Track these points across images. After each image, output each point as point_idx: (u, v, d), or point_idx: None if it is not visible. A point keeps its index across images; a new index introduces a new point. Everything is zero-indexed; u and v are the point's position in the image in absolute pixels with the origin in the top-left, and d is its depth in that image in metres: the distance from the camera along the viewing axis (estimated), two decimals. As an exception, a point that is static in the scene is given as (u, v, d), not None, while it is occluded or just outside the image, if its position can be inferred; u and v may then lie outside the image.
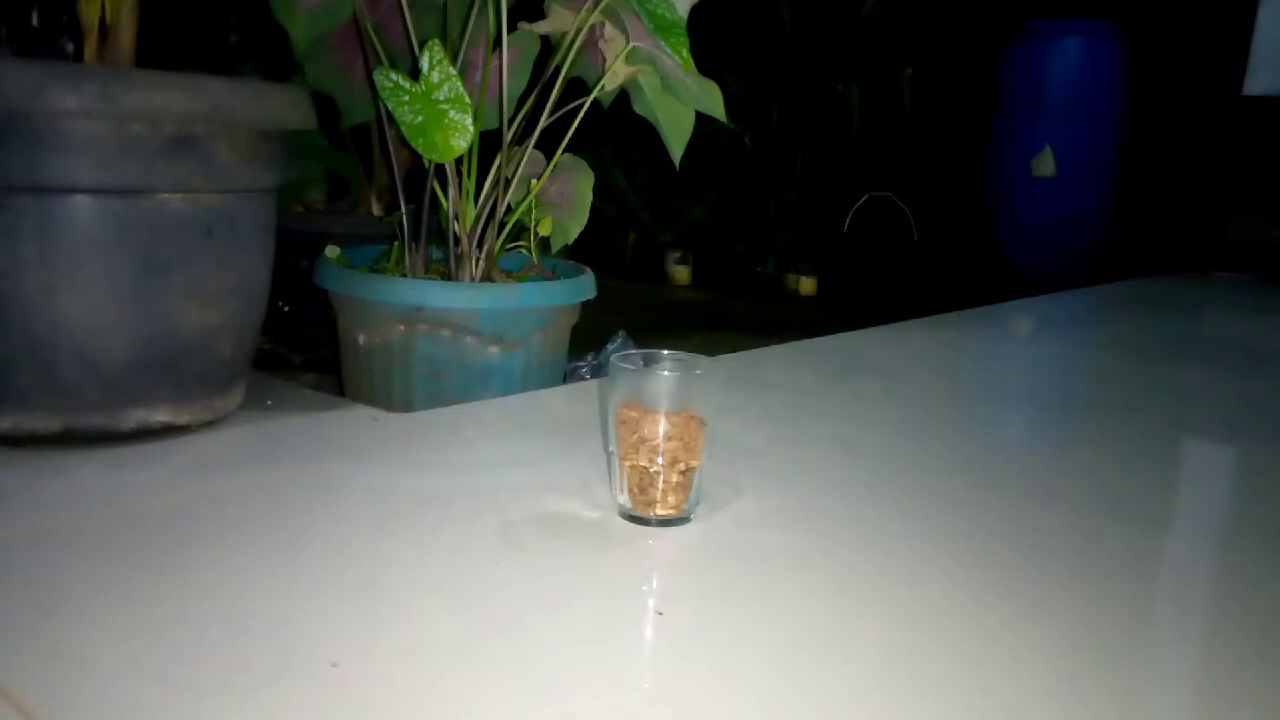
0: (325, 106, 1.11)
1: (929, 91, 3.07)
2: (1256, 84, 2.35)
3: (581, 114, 1.16)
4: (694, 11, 1.09)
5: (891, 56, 3.04)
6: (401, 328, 1.08)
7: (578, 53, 1.13)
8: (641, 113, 1.18)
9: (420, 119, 0.99)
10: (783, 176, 3.04)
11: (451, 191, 1.13)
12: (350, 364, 1.16)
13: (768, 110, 3.03)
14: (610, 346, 1.45)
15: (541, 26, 1.14)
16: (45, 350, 0.82)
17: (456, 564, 0.66)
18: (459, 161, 1.11)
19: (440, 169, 1.12)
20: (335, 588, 0.61)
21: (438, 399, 1.09)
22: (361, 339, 1.12)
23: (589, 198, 1.23)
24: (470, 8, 1.13)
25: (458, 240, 1.15)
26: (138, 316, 0.84)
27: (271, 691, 0.50)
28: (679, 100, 1.14)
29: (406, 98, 0.99)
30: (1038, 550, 0.73)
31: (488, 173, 1.15)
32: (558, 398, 1.12)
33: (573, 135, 1.18)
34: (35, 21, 1.00)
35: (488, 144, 1.14)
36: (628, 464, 0.73)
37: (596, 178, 1.25)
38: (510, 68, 1.12)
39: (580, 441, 0.92)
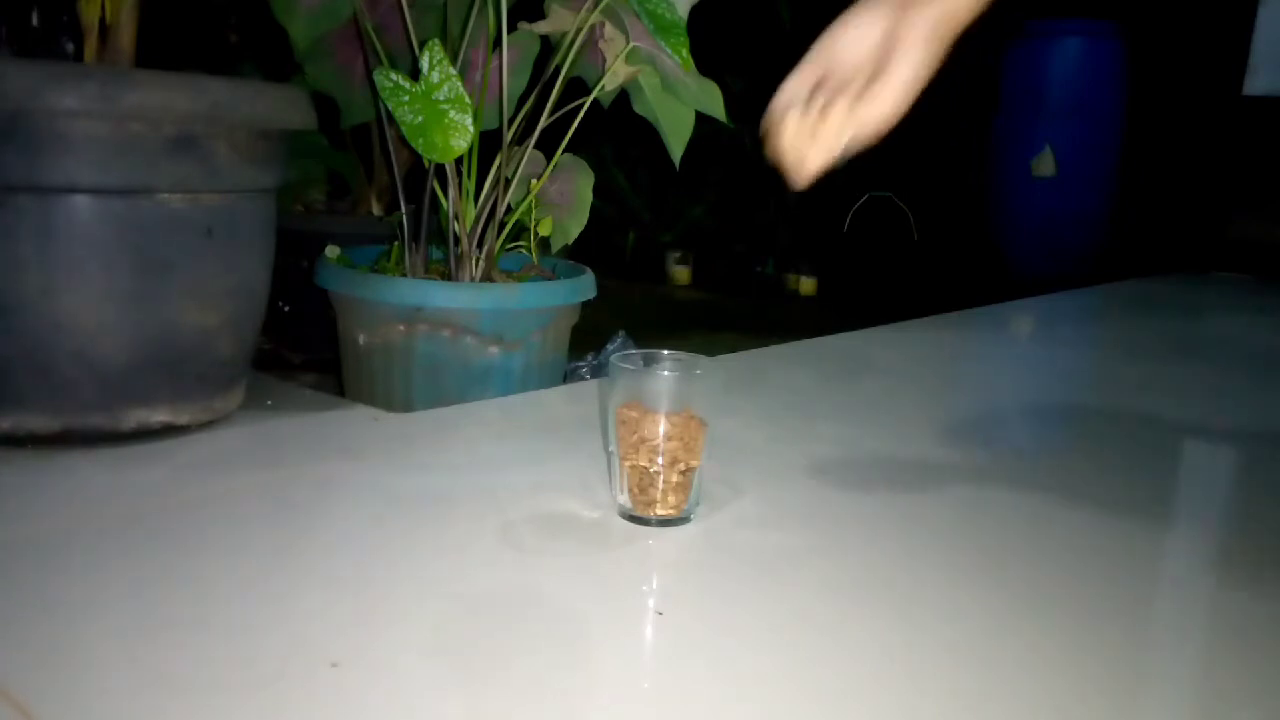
0: (325, 106, 1.11)
1: (929, 91, 3.06)
2: (1256, 84, 2.35)
3: (581, 114, 1.16)
4: (694, 11, 1.09)
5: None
6: (401, 328, 1.08)
7: (578, 53, 1.13)
8: (641, 113, 1.18)
9: (420, 119, 0.99)
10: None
11: (451, 191, 1.13)
12: (350, 364, 1.16)
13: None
14: (610, 346, 1.45)
15: (541, 26, 1.14)
16: (45, 350, 0.82)
17: (457, 564, 0.66)
18: (459, 161, 1.11)
19: (440, 169, 1.12)
20: (335, 588, 0.61)
21: (438, 399, 1.09)
22: (361, 339, 1.12)
23: (589, 198, 1.23)
24: (470, 8, 1.13)
25: (458, 240, 1.15)
26: (137, 317, 0.84)
27: (271, 691, 0.50)
28: (679, 100, 1.14)
29: (406, 98, 0.99)
30: (1037, 550, 0.73)
31: (488, 173, 1.15)
32: (558, 398, 1.12)
33: (573, 135, 1.18)
34: (35, 21, 1.00)
35: (488, 144, 1.14)
36: (628, 464, 0.73)
37: (596, 178, 1.25)
38: (510, 68, 1.12)
39: (580, 441, 0.92)
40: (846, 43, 0.65)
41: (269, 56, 1.53)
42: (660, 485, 0.72)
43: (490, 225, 1.16)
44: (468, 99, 1.00)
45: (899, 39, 0.63)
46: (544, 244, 1.25)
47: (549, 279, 1.20)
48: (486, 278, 1.17)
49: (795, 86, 0.67)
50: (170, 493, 0.76)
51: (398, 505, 0.76)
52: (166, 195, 0.84)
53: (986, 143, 2.98)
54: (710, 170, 3.05)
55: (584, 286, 1.18)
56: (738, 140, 3.01)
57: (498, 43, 1.10)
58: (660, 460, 0.71)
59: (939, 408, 1.17)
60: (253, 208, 0.93)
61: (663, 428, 0.71)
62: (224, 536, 0.68)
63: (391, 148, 1.17)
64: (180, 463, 0.84)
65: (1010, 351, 1.65)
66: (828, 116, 0.65)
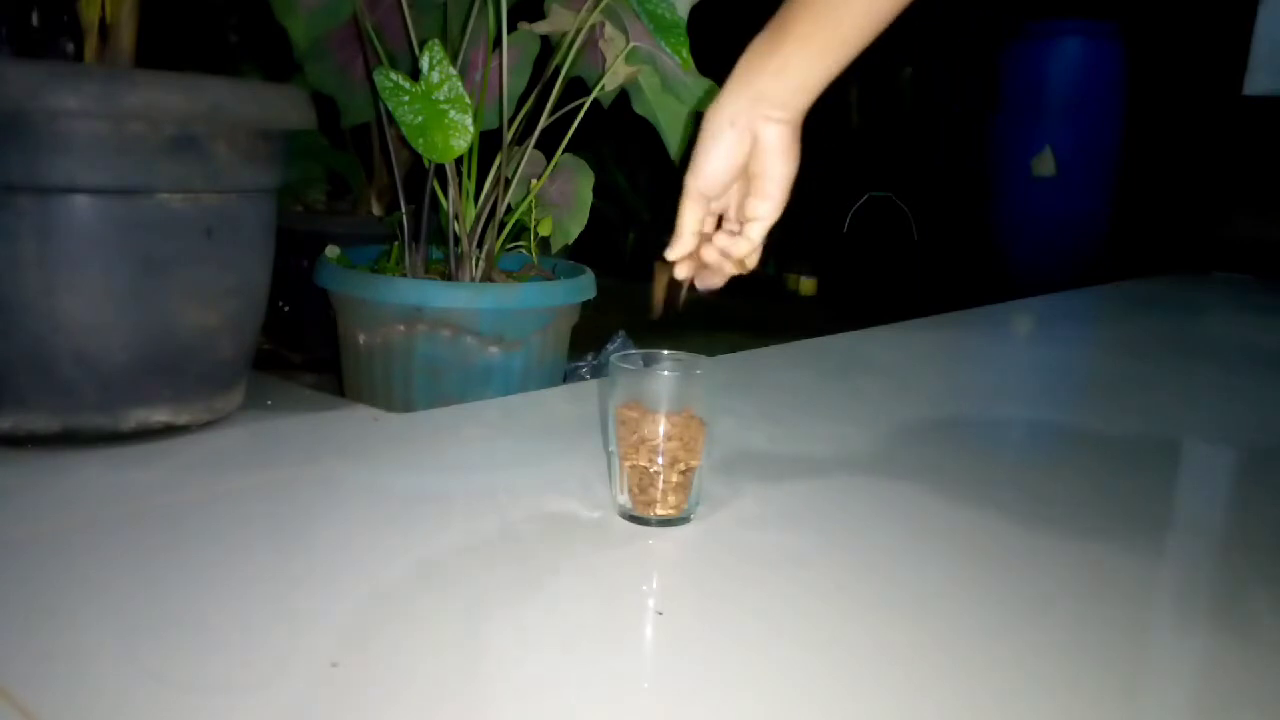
0: (325, 106, 1.11)
1: (929, 91, 3.06)
2: (1256, 84, 2.34)
3: (581, 114, 1.16)
4: (694, 11, 1.09)
5: (891, 56, 3.04)
6: (401, 328, 1.08)
7: (578, 53, 1.13)
8: (641, 113, 1.18)
9: (420, 119, 0.99)
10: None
11: (451, 191, 1.13)
12: (350, 364, 1.16)
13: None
14: (610, 346, 1.45)
15: (541, 26, 1.14)
16: (45, 350, 0.82)
17: (456, 564, 0.66)
18: (459, 161, 1.11)
19: (440, 169, 1.12)
20: (335, 587, 0.61)
21: (438, 399, 1.09)
22: (361, 339, 1.12)
23: (589, 198, 1.23)
24: (470, 8, 1.13)
25: (458, 240, 1.15)
26: (137, 317, 0.84)
27: (271, 691, 0.50)
28: (679, 100, 1.14)
29: (406, 98, 0.99)
30: (1037, 550, 0.73)
31: (488, 173, 1.15)
32: (558, 398, 1.12)
33: (573, 135, 1.18)
34: (35, 21, 1.00)
35: (488, 144, 1.14)
36: (628, 464, 0.73)
37: (596, 178, 1.25)
38: (510, 68, 1.12)
39: (580, 441, 0.92)
40: (715, 170, 0.69)
41: (269, 56, 1.53)
42: (660, 485, 0.72)
43: (490, 225, 1.16)
44: (468, 99, 1.00)
45: (761, 149, 0.67)
46: (544, 244, 1.25)
47: (549, 279, 1.20)
48: (486, 278, 1.17)
49: (688, 230, 0.72)
50: (170, 493, 0.76)
51: (398, 505, 0.76)
52: (166, 195, 0.84)
53: (986, 143, 2.98)
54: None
55: (584, 286, 1.18)
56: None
57: (498, 43, 1.10)
58: (660, 460, 0.71)
59: (939, 408, 1.17)
60: (253, 208, 0.92)
61: (663, 428, 0.71)
62: (224, 536, 0.68)
63: (391, 148, 1.17)
64: (180, 463, 0.84)
65: (1010, 351, 1.65)
66: (732, 241, 0.71)
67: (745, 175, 0.69)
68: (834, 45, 0.65)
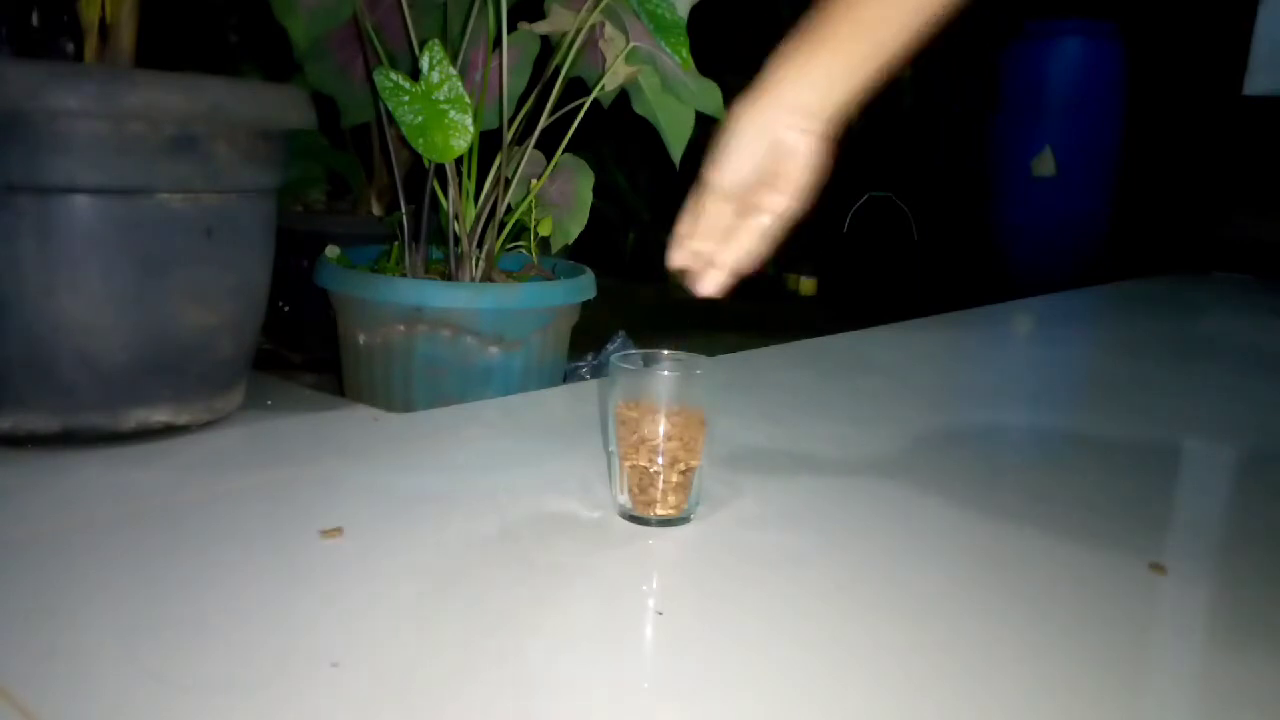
0: (325, 106, 1.11)
1: (929, 91, 3.06)
2: (1256, 84, 2.34)
3: (581, 114, 1.16)
4: (694, 11, 1.09)
5: (891, 56, 3.03)
6: (401, 328, 1.08)
7: (578, 53, 1.13)
8: (641, 113, 1.18)
9: (420, 119, 0.99)
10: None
11: (451, 191, 1.13)
12: (350, 364, 1.16)
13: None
14: (610, 346, 1.45)
15: (541, 26, 1.14)
16: (45, 350, 0.82)
17: (456, 564, 0.66)
18: (459, 161, 1.11)
19: (440, 169, 1.12)
20: (335, 587, 0.61)
21: (438, 399, 1.09)
22: (361, 339, 1.12)
23: (589, 198, 1.23)
24: (470, 8, 1.13)
25: (458, 240, 1.15)
26: (138, 317, 0.84)
27: (271, 691, 0.50)
28: (679, 100, 1.14)
29: (406, 98, 0.99)
30: (1037, 550, 0.73)
31: (488, 173, 1.15)
32: (558, 398, 1.12)
33: (573, 135, 1.18)
34: (35, 21, 1.00)
35: (488, 144, 1.14)
36: (628, 464, 0.73)
37: (596, 178, 1.25)
38: (510, 68, 1.12)
39: (580, 441, 0.92)
40: (742, 173, 0.69)
41: (269, 56, 1.53)
42: (660, 485, 0.72)
43: (490, 225, 1.16)
44: (468, 99, 1.00)
45: (789, 156, 0.67)
46: (544, 244, 1.25)
47: (549, 279, 1.20)
48: (486, 278, 1.17)
49: (715, 226, 0.72)
50: (170, 493, 0.76)
51: (397, 505, 0.76)
52: (166, 195, 0.84)
53: (986, 143, 2.98)
54: (710, 170, 3.04)
55: (584, 286, 1.18)
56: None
57: (498, 43, 1.10)
58: (660, 460, 0.71)
59: (939, 408, 1.17)
60: (253, 208, 0.92)
61: (663, 428, 0.71)
62: (224, 536, 0.68)
63: (391, 148, 1.17)
64: (180, 463, 0.84)
65: (1010, 351, 1.65)
66: (747, 226, 0.72)
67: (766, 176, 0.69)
68: (871, 58, 0.65)
